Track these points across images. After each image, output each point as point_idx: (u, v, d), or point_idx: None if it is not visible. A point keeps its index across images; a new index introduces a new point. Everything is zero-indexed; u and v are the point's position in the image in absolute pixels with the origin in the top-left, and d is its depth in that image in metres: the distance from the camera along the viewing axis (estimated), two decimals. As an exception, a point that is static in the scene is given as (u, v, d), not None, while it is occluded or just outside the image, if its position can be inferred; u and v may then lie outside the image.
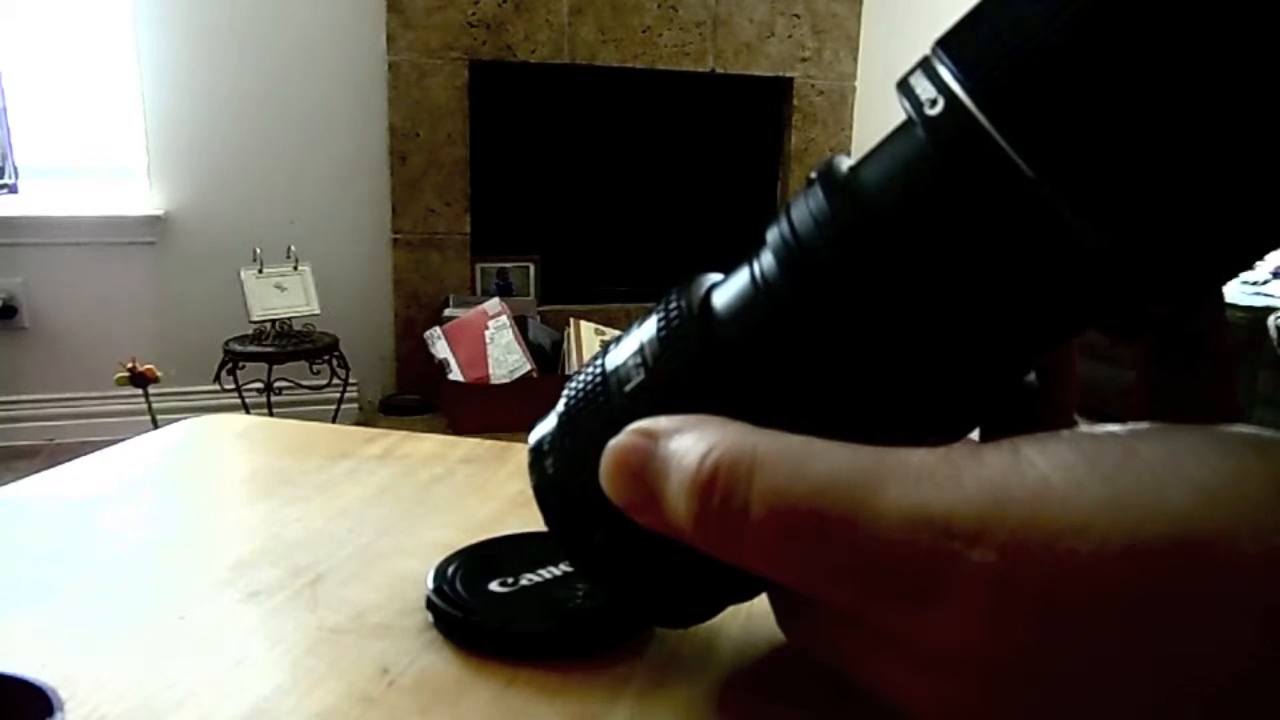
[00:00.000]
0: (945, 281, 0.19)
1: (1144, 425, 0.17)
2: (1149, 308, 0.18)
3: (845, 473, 0.17)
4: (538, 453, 0.26)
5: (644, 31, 2.97)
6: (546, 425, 0.26)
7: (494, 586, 0.35)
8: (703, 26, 3.02)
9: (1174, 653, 0.14)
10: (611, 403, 0.23)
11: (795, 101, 3.16)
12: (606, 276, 3.18)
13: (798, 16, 3.10)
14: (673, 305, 0.23)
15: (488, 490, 0.47)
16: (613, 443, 0.20)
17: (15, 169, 2.70)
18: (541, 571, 0.36)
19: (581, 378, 0.25)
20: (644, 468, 0.20)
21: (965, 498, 0.16)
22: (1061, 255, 0.18)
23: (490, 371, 2.68)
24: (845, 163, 0.21)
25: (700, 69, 3.04)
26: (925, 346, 0.20)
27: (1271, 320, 2.01)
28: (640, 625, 0.26)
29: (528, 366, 2.70)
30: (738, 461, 0.18)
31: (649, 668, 0.32)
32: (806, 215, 0.20)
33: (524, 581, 0.35)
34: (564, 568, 0.36)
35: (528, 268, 3.07)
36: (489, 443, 0.55)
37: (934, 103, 0.18)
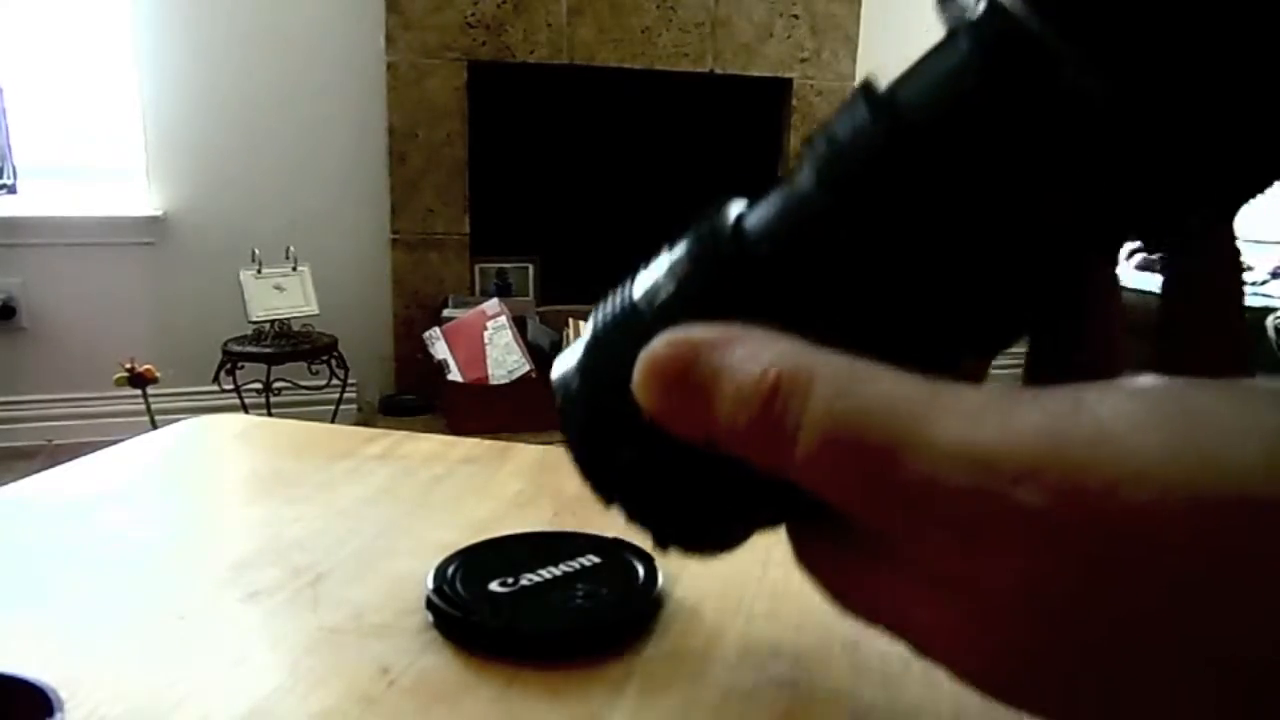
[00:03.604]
0: (986, 188, 0.19)
1: (1210, 380, 0.16)
2: (1185, 213, 0.18)
3: (901, 400, 0.17)
4: (562, 377, 0.26)
5: (643, 32, 2.97)
6: (570, 352, 0.26)
7: (494, 586, 0.35)
8: (702, 27, 3.02)
9: (1228, 613, 0.14)
10: (642, 321, 0.23)
11: (794, 102, 3.16)
12: (606, 276, 3.15)
13: (796, 17, 3.10)
14: (703, 226, 0.23)
15: (488, 490, 0.47)
16: (651, 351, 0.20)
17: (14, 169, 2.70)
18: (541, 571, 0.36)
19: (606, 307, 0.25)
20: (688, 375, 0.19)
21: (1019, 437, 0.16)
22: (1101, 150, 0.18)
23: (489, 372, 2.67)
24: (885, 81, 0.21)
25: (699, 69, 3.04)
26: (964, 257, 0.20)
27: (1270, 320, 2.01)
28: (663, 548, 0.26)
29: (527, 367, 2.70)
30: (797, 375, 0.18)
31: (649, 668, 0.32)
32: (847, 128, 0.21)
33: (524, 581, 0.35)
34: (564, 568, 0.37)
35: (527, 268, 3.07)
36: (489, 443, 0.55)
37: (975, 6, 0.19)
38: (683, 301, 0.23)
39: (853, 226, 0.20)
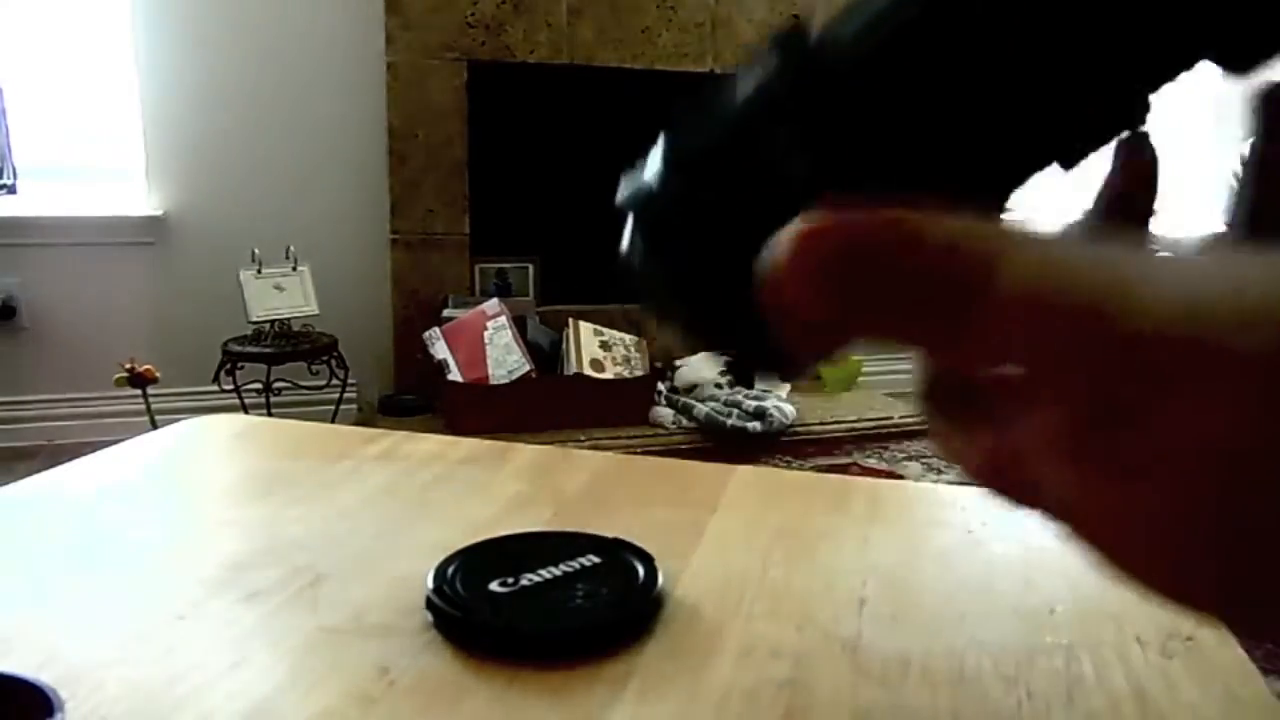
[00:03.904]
0: None
1: None
2: (1268, 34, 0.18)
3: (1105, 261, 0.17)
4: (632, 192, 0.25)
5: (643, 32, 2.97)
6: (637, 172, 0.25)
7: (494, 586, 0.35)
8: (702, 27, 3.02)
9: None
10: (719, 121, 0.23)
11: (794, 102, 3.17)
12: (606, 277, 3.18)
13: (797, 17, 3.10)
14: (783, 38, 0.23)
15: (488, 490, 0.47)
16: (789, 238, 0.18)
17: (14, 169, 2.70)
18: (541, 571, 0.36)
19: (679, 121, 0.24)
20: (842, 249, 0.18)
21: (1237, 289, 0.15)
22: None
23: (489, 372, 2.67)
24: None
25: (699, 69, 3.04)
26: (1058, 65, 0.20)
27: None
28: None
29: (527, 367, 2.70)
30: (987, 236, 0.17)
31: (649, 668, 0.32)
32: None
33: (524, 581, 0.35)
34: (564, 568, 0.37)
35: (527, 268, 3.07)
36: (489, 443, 0.55)
37: None
38: (759, 106, 0.22)
39: (944, 33, 0.20)
